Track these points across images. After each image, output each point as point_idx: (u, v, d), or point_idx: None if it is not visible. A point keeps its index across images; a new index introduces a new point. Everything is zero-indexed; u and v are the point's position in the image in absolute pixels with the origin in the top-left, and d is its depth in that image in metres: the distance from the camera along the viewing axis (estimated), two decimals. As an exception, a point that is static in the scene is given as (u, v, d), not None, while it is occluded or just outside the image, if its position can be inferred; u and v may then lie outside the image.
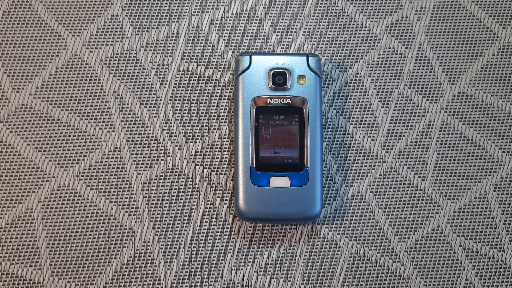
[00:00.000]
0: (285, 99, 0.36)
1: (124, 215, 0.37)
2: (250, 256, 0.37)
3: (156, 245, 0.37)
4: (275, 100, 0.36)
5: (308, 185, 0.35)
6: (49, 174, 0.37)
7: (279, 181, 0.35)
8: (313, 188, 0.35)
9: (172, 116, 0.38)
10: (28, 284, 0.36)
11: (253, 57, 0.36)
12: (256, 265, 0.37)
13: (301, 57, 0.36)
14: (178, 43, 0.38)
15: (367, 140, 0.38)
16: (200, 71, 0.38)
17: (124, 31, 0.38)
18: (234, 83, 0.36)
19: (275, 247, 0.37)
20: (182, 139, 0.38)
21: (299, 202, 0.35)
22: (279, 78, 0.36)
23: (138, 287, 0.37)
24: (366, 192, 0.38)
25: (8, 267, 0.36)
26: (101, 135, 0.38)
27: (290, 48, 0.39)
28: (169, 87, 0.38)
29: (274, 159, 0.36)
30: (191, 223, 0.37)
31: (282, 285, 0.37)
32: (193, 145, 0.38)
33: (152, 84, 0.38)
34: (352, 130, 0.38)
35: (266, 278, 0.37)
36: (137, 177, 0.37)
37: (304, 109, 0.36)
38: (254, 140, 0.36)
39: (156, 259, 0.37)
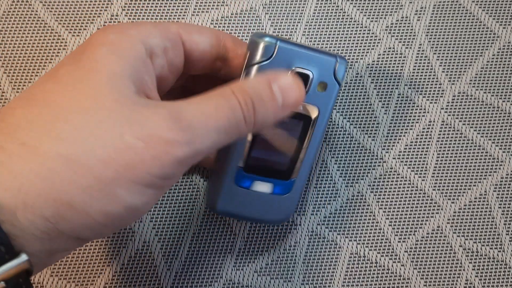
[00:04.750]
0: None
1: (124, 215, 0.37)
2: (250, 257, 0.37)
3: (156, 245, 0.37)
4: None
5: (289, 195, 0.33)
6: (49, 174, 0.37)
7: (262, 186, 0.33)
8: (292, 199, 0.33)
9: (172, 116, 0.38)
10: (28, 284, 0.36)
11: (280, 46, 0.30)
12: (256, 265, 0.37)
13: (329, 60, 0.31)
14: (178, 43, 0.38)
15: (367, 140, 0.38)
16: (200, 71, 0.38)
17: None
18: (244, 70, 0.31)
19: (275, 247, 0.37)
20: (182, 139, 0.38)
21: (273, 208, 0.33)
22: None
23: (138, 287, 0.37)
24: (366, 192, 0.38)
25: (8, 267, 0.36)
26: (101, 135, 0.37)
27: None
28: (169, 87, 0.38)
29: (264, 163, 0.32)
30: (191, 223, 0.37)
31: (282, 285, 0.37)
32: (193, 145, 0.38)
33: (152, 84, 0.38)
34: (352, 130, 0.38)
35: (266, 279, 0.37)
36: (137, 177, 0.37)
37: (313, 119, 0.32)
38: (251, 139, 0.32)
39: (156, 259, 0.37)
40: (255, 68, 0.30)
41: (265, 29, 0.39)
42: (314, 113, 0.32)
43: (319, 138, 0.32)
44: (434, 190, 0.38)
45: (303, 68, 0.31)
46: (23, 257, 0.22)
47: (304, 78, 0.31)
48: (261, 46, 0.30)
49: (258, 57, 0.30)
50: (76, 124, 0.23)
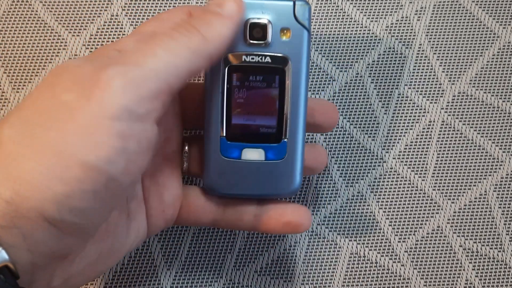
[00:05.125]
0: (263, 57, 0.30)
1: (124, 215, 0.37)
2: (250, 256, 0.37)
3: (156, 245, 0.37)
4: (252, 58, 0.30)
5: (286, 159, 0.30)
6: (49, 174, 0.37)
7: (252, 154, 0.31)
8: (292, 163, 0.31)
9: (172, 116, 0.38)
10: (28, 284, 0.36)
11: None
12: (256, 265, 0.37)
13: (285, 3, 0.30)
14: (178, 43, 0.38)
15: (367, 140, 0.38)
16: (200, 71, 0.38)
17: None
18: None
19: (275, 247, 0.37)
20: (182, 139, 0.38)
21: (274, 178, 0.31)
22: (257, 31, 0.29)
23: (138, 287, 0.37)
24: (366, 192, 0.38)
25: (8, 267, 0.36)
26: (101, 135, 0.37)
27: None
28: (169, 87, 0.38)
29: (247, 128, 0.31)
30: (191, 223, 0.37)
31: (282, 285, 0.37)
32: (193, 145, 0.38)
33: (152, 84, 0.38)
34: (352, 130, 0.38)
35: (266, 279, 0.37)
36: (137, 177, 0.37)
37: (285, 70, 0.30)
38: (226, 104, 0.30)
39: (156, 259, 0.37)
40: None
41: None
42: (284, 62, 0.30)
43: (302, 90, 0.30)
44: (434, 190, 0.38)
45: (258, 18, 0.29)
46: None
47: (262, 27, 0.29)
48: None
49: None
50: (23, 107, 0.24)
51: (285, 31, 0.30)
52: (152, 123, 0.25)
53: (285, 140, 0.30)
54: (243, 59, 0.30)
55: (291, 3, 0.30)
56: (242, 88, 0.30)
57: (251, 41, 0.29)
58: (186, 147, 0.32)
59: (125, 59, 0.24)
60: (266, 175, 0.31)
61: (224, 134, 0.30)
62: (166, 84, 0.24)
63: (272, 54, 0.30)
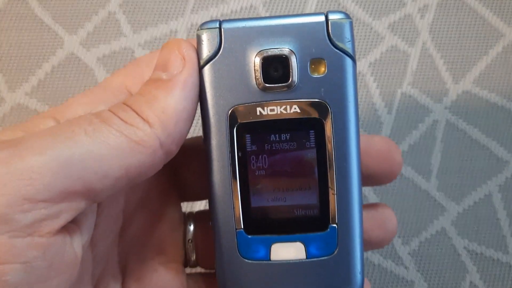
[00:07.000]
0: (289, 107, 0.21)
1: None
2: (250, 259, 0.37)
3: (155, 248, 0.37)
4: (270, 110, 0.21)
5: (337, 254, 0.21)
6: (46, 175, 0.37)
7: (287, 251, 0.21)
8: (347, 258, 0.21)
9: (171, 116, 0.37)
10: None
11: (224, 27, 0.20)
12: (257, 268, 0.37)
13: (314, 20, 0.20)
14: (177, 41, 0.38)
15: (370, 140, 0.38)
16: (199, 70, 0.38)
17: (122, 29, 0.38)
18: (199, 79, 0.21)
19: (276, 249, 0.37)
20: (181, 140, 0.37)
21: (322, 282, 0.21)
22: (275, 68, 0.20)
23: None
24: (368, 192, 0.37)
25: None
26: (99, 135, 0.37)
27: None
28: (167, 86, 0.38)
29: (275, 212, 0.21)
30: (190, 225, 0.37)
31: None
32: (192, 146, 0.37)
33: (151, 83, 0.38)
34: (354, 130, 0.38)
35: (266, 281, 0.37)
36: (135, 178, 0.37)
37: (324, 121, 0.21)
38: (239, 180, 0.21)
39: (155, 262, 0.36)
40: (205, 70, 0.21)
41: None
42: (321, 110, 0.21)
43: (352, 147, 0.21)
44: (438, 191, 0.38)
45: (273, 47, 0.20)
46: None
47: (282, 62, 0.20)
48: (202, 39, 0.21)
49: (203, 54, 0.21)
50: None
51: (317, 64, 0.21)
52: (54, 233, 0.17)
53: (334, 225, 0.21)
54: (258, 113, 0.21)
55: (323, 18, 0.21)
56: (262, 154, 0.21)
57: (267, 85, 0.21)
58: (191, 231, 0.24)
59: (21, 141, 0.17)
60: (310, 280, 0.21)
61: (242, 226, 0.21)
62: (80, 182, 0.17)
63: (301, 100, 0.21)
